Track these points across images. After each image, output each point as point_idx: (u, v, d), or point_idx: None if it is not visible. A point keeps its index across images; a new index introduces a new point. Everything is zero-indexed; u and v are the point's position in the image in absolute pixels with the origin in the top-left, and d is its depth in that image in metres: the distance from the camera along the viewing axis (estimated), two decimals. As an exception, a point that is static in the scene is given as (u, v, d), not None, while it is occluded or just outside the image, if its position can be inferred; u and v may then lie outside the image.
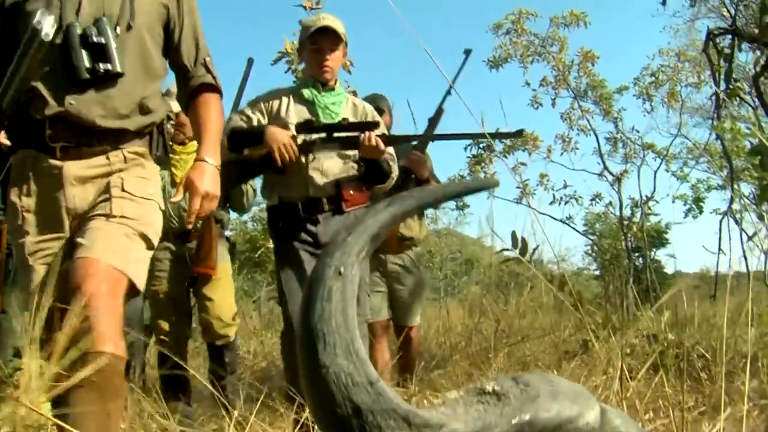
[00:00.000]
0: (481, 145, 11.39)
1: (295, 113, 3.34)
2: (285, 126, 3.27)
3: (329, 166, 3.29)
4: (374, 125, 3.31)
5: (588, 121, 11.52)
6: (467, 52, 3.93)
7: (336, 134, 3.26)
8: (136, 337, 3.89)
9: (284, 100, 3.39)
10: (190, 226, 2.13)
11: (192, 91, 2.44)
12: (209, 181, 2.28)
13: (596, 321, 3.53)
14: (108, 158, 2.21)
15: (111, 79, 2.19)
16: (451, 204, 12.76)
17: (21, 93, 2.16)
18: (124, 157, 2.23)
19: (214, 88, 2.46)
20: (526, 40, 11.17)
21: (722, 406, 2.22)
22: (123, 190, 2.18)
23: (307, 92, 3.38)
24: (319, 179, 3.26)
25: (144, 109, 2.28)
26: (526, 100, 11.44)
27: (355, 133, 3.25)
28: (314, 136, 3.26)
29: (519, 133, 3.77)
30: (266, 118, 3.34)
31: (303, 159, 3.25)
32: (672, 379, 2.92)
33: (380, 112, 3.85)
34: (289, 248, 3.26)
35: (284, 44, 5.10)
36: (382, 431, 0.74)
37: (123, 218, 2.14)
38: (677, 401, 2.68)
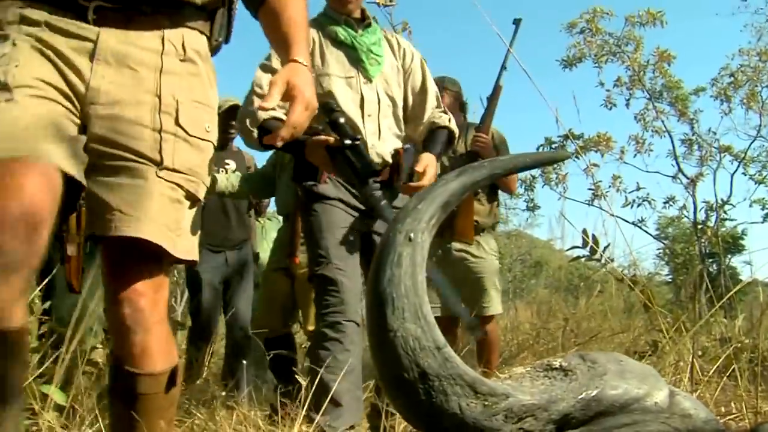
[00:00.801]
0: (553, 146, 11.28)
1: (336, 62, 2.74)
2: (327, 79, 2.70)
3: (382, 151, 2.77)
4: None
5: (663, 122, 11.24)
6: (517, 22, 3.86)
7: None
8: None
9: (315, 41, 2.72)
10: (280, 143, 1.77)
11: None
12: (310, 87, 1.77)
13: (667, 322, 3.45)
14: (163, 43, 1.65)
15: None
16: (522, 205, 12.66)
17: None
18: (184, 50, 1.67)
19: None
20: (601, 39, 10.98)
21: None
22: (177, 123, 1.64)
23: (342, 33, 2.76)
24: (375, 157, 2.74)
25: None
26: (599, 100, 11.26)
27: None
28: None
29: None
30: None
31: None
32: (746, 383, 2.84)
33: (442, 92, 3.34)
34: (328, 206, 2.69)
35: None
36: (447, 397, 0.75)
37: (174, 173, 1.64)
38: (751, 405, 2.61)
